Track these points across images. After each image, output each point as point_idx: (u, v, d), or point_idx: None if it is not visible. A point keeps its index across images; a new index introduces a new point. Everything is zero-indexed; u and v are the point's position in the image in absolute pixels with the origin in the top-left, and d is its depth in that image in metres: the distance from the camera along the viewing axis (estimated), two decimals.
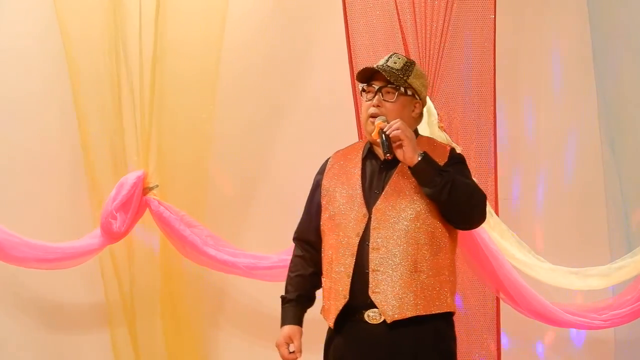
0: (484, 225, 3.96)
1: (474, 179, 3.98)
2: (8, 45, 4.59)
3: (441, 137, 4.02)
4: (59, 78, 4.50)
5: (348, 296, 3.05)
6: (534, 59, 4.66)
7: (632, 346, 4.29)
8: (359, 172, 3.20)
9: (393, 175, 3.15)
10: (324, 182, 3.26)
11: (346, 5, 4.21)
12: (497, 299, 4.11)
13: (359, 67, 4.14)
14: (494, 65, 4.14)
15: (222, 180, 4.68)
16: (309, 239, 3.30)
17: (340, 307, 3.06)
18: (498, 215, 4.07)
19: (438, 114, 4.06)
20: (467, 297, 4.15)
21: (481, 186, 3.99)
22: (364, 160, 3.23)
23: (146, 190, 4.43)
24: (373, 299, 3.03)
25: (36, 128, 4.61)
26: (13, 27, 4.59)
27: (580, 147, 4.57)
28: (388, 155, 3.05)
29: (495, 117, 4.14)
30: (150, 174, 4.42)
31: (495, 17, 4.14)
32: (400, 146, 3.04)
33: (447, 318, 3.14)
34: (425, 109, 3.99)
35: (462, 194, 3.07)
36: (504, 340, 4.29)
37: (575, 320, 3.99)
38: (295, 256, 3.33)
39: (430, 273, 3.06)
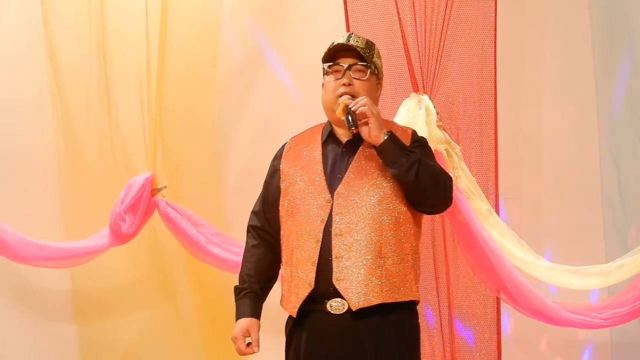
0: (483, 223, 3.99)
1: (473, 176, 4.07)
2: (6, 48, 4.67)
3: (440, 136, 4.01)
4: (66, 78, 4.55)
5: (313, 284, 2.95)
6: (535, 57, 4.64)
7: (628, 349, 4.26)
8: (320, 157, 3.09)
9: (355, 159, 3.05)
10: (283, 167, 3.14)
11: (347, 5, 4.20)
12: (497, 299, 4.09)
13: None
14: (495, 64, 4.11)
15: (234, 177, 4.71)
16: (265, 227, 3.18)
17: (305, 295, 2.96)
18: (498, 214, 4.05)
19: (437, 113, 4.05)
20: (468, 296, 4.14)
21: (481, 185, 4.06)
22: (324, 144, 3.12)
23: (155, 191, 4.47)
24: (337, 287, 2.93)
25: (39, 127, 4.66)
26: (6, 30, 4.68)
27: (580, 146, 4.54)
28: (353, 129, 2.95)
29: (496, 115, 4.11)
30: (158, 175, 4.46)
31: (496, 16, 4.11)
32: (366, 123, 2.95)
33: (411, 307, 3.06)
34: (424, 108, 4.05)
35: (429, 175, 2.98)
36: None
37: (576, 319, 3.95)
38: (251, 246, 3.20)
39: (395, 259, 2.98)
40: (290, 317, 3.09)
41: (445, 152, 4.03)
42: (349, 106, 2.98)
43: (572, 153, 4.57)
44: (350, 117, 2.95)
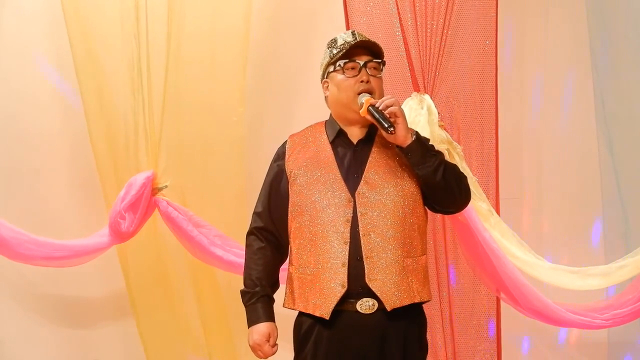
0: (484, 223, 3.99)
1: (474, 177, 4.07)
2: (16, 43, 4.61)
3: (442, 136, 4.01)
4: (69, 76, 4.51)
5: (347, 284, 2.88)
6: (536, 57, 4.63)
7: (625, 348, 4.27)
8: (332, 156, 3.02)
9: (371, 158, 3.00)
10: (289, 167, 3.06)
11: (347, 5, 4.19)
12: (498, 299, 4.09)
13: None
14: (496, 64, 4.11)
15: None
16: (270, 228, 3.11)
17: (339, 297, 2.89)
18: (499, 215, 4.05)
19: (439, 113, 4.05)
20: (468, 297, 4.14)
21: (482, 186, 4.06)
22: (332, 143, 3.04)
23: (155, 190, 4.44)
24: (371, 287, 2.88)
25: (45, 126, 4.63)
26: (20, 25, 4.61)
27: (580, 146, 4.55)
28: (391, 129, 2.84)
29: (497, 116, 4.11)
30: (160, 175, 4.44)
31: (497, 16, 4.11)
32: (395, 123, 2.87)
33: (422, 307, 3.06)
34: (426, 107, 4.04)
35: (453, 175, 2.96)
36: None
37: (577, 320, 3.97)
38: (257, 248, 3.11)
39: (417, 258, 2.97)
40: (302, 318, 3.04)
41: (447, 152, 4.02)
42: (376, 105, 2.89)
43: (572, 153, 4.57)
44: (380, 117, 2.86)
